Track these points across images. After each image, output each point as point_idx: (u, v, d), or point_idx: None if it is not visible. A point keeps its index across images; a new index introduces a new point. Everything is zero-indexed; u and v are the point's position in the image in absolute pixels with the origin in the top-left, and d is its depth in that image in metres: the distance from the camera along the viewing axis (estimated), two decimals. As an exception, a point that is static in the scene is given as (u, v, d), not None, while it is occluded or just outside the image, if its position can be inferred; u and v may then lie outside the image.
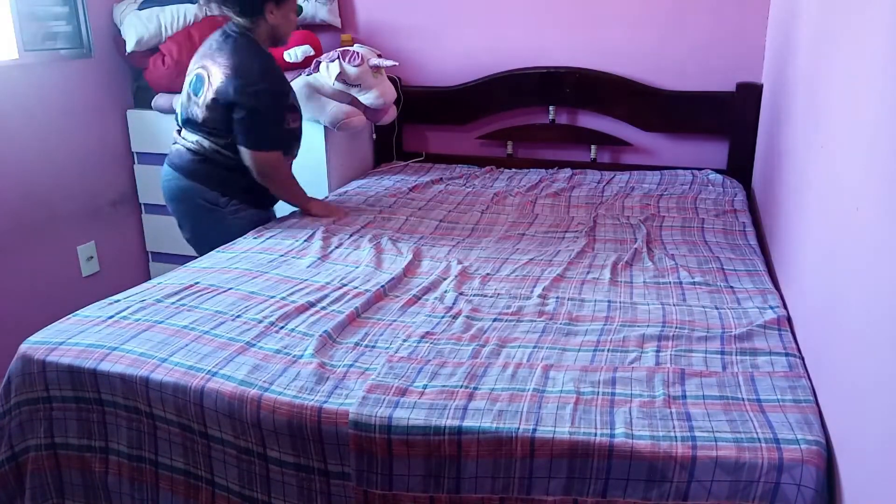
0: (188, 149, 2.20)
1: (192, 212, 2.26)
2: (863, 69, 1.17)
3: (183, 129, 2.24)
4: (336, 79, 2.60)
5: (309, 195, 2.34)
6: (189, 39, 2.79)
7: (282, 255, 1.94)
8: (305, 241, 2.06)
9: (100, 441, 1.41)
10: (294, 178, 2.30)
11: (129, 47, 2.81)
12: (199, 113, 2.15)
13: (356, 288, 1.72)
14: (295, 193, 2.30)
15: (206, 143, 2.17)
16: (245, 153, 2.14)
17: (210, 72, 2.12)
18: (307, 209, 2.29)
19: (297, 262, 1.90)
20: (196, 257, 2.01)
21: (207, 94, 2.11)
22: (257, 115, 2.10)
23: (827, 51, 1.51)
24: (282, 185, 2.26)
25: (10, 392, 1.44)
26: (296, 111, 2.29)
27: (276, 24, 2.16)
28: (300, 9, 2.87)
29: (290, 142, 2.29)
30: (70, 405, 1.41)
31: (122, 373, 1.36)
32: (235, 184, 2.21)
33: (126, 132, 3.03)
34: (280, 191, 2.28)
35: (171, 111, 2.89)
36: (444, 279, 1.77)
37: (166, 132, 2.95)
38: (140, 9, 2.83)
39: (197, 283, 1.73)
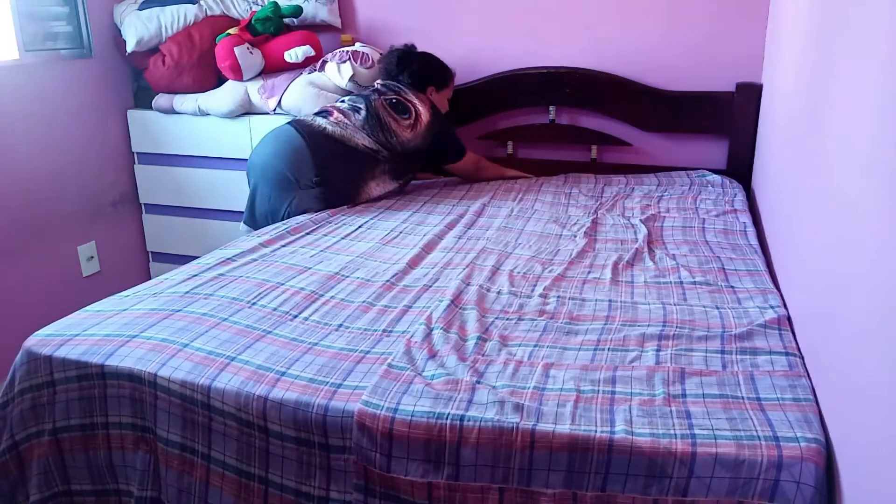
0: (340, 135, 2.38)
1: (268, 178, 2.35)
2: (863, 68, 1.17)
3: (337, 115, 2.42)
4: (349, 81, 2.63)
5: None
6: (189, 40, 2.80)
7: (283, 246, 2.00)
8: (308, 234, 2.11)
9: (101, 416, 1.41)
10: (495, 168, 2.82)
11: (130, 47, 2.82)
12: (392, 132, 2.43)
13: (360, 278, 1.76)
14: (502, 174, 2.81)
15: (363, 140, 2.40)
16: (457, 168, 2.70)
17: (417, 108, 2.50)
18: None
19: (303, 251, 1.95)
20: (195, 258, 2.03)
21: (411, 126, 2.47)
22: (447, 135, 2.60)
23: (826, 50, 1.52)
24: (487, 173, 2.78)
25: (14, 382, 1.45)
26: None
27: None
28: (299, 9, 2.89)
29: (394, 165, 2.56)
30: (72, 385, 1.41)
31: (132, 367, 1.37)
32: (334, 183, 2.36)
33: (126, 132, 3.04)
34: (493, 178, 2.80)
35: (172, 111, 2.90)
36: (448, 276, 1.78)
37: (167, 132, 2.96)
38: (140, 9, 2.84)
39: (206, 275, 1.76)
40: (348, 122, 2.41)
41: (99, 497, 1.45)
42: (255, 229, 2.36)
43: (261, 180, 2.38)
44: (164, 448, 1.36)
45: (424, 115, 2.49)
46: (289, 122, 2.42)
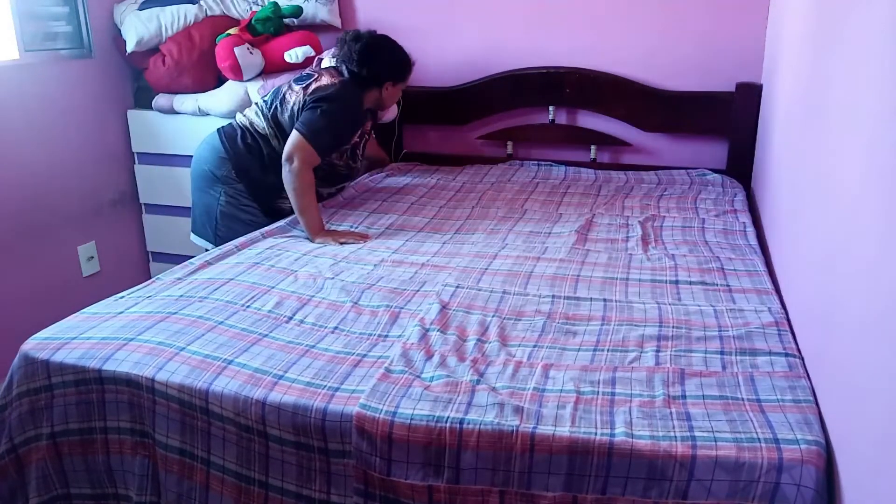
0: (248, 124, 2.33)
1: (196, 177, 2.39)
2: (863, 69, 1.17)
3: (256, 108, 2.36)
4: None
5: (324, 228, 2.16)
6: (189, 40, 2.80)
7: (268, 248, 1.99)
8: (290, 236, 2.12)
9: (99, 421, 1.41)
10: (313, 191, 2.18)
11: (130, 47, 2.82)
12: (285, 102, 2.28)
13: (345, 280, 1.75)
14: (307, 203, 2.15)
15: (266, 130, 2.31)
16: (292, 135, 2.18)
17: (321, 77, 2.29)
18: (312, 235, 2.11)
19: (286, 254, 1.95)
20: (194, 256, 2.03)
21: (303, 89, 2.26)
22: (320, 111, 2.18)
23: (826, 50, 1.51)
24: (299, 183, 2.14)
25: (12, 386, 1.45)
26: (346, 156, 2.39)
27: (386, 97, 2.39)
28: (299, 9, 2.89)
29: (328, 169, 2.35)
30: (70, 389, 1.41)
31: (129, 371, 1.37)
32: (253, 175, 2.31)
33: (126, 132, 3.03)
34: (293, 189, 2.15)
35: (172, 111, 2.90)
36: (441, 278, 1.78)
37: (167, 132, 2.96)
38: (140, 9, 2.84)
39: (195, 277, 1.76)
40: (262, 110, 2.34)
41: (98, 501, 1.44)
42: (199, 235, 2.42)
43: (193, 184, 2.42)
44: (163, 453, 1.35)
45: (323, 80, 2.27)
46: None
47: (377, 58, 2.31)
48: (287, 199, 2.22)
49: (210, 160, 2.33)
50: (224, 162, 2.30)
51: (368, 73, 2.30)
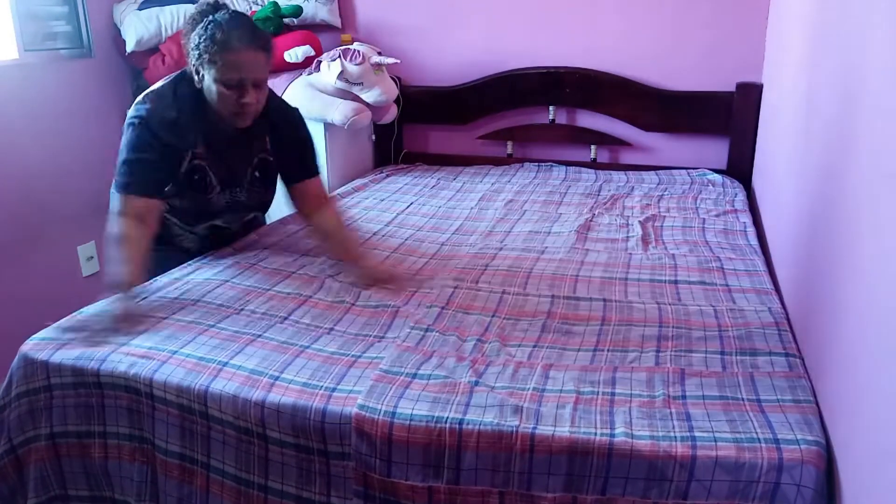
0: None
1: None
2: (862, 68, 1.17)
3: None
4: (338, 78, 2.61)
5: (119, 288, 1.58)
6: (189, 39, 2.79)
7: (265, 249, 1.97)
8: (288, 237, 2.09)
9: (98, 426, 1.41)
10: (118, 242, 1.61)
11: (130, 47, 2.82)
12: None
13: (349, 281, 1.74)
14: (108, 255, 1.64)
15: None
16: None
17: None
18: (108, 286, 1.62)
19: (285, 253, 1.93)
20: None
21: None
22: (122, 144, 1.77)
23: (826, 50, 1.51)
24: (106, 233, 1.64)
25: (11, 386, 1.45)
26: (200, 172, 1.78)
27: (208, 94, 1.69)
28: (299, 9, 2.88)
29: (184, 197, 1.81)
30: (69, 391, 1.41)
31: (126, 371, 1.36)
32: None
33: (126, 132, 3.03)
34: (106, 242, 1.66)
35: (172, 111, 2.89)
36: (439, 276, 1.78)
37: (166, 132, 2.95)
38: (140, 9, 2.84)
39: (191, 278, 1.75)
40: None
41: (96, 503, 1.44)
42: None
43: None
44: (163, 458, 1.35)
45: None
46: None
47: (192, 36, 1.68)
48: (182, 236, 1.92)
49: None
50: None
51: (190, 58, 1.70)
